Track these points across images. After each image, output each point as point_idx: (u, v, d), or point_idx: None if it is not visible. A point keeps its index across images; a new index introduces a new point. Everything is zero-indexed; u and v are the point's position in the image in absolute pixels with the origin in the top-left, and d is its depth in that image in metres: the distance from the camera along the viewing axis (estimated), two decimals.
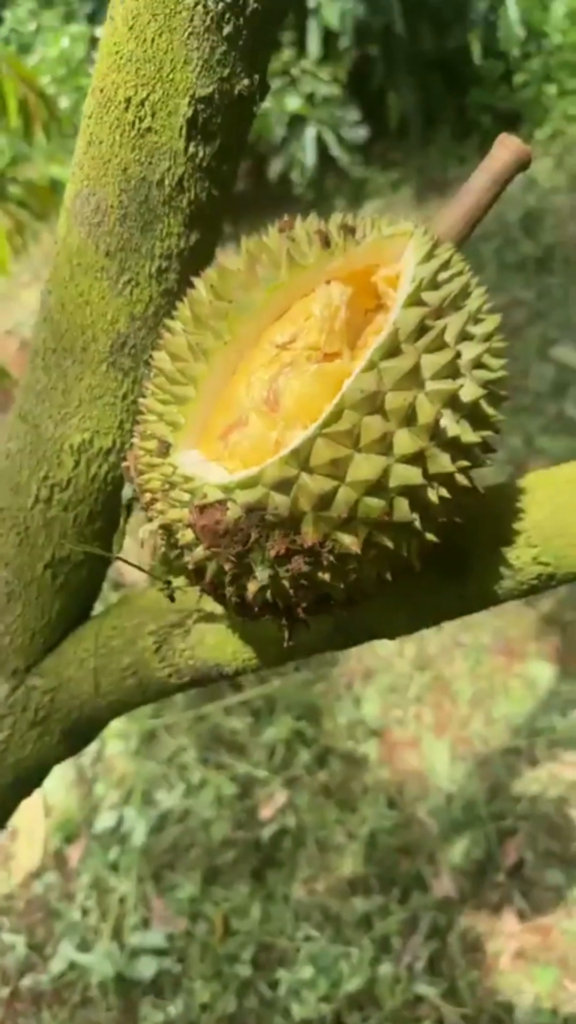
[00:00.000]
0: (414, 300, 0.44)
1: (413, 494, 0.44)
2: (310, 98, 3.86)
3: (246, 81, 0.53)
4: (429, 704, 2.09)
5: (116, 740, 2.07)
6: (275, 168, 3.95)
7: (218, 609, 0.61)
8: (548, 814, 1.85)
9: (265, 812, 1.92)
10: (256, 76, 0.54)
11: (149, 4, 0.51)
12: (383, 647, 2.19)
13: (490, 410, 0.46)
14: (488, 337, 0.47)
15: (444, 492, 0.45)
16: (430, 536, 0.46)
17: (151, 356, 0.51)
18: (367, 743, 2.03)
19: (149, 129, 0.54)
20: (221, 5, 0.50)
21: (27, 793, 0.74)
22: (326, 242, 0.47)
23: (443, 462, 0.44)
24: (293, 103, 3.80)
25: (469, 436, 0.45)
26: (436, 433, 0.44)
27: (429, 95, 4.20)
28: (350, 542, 0.44)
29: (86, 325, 0.60)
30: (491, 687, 2.10)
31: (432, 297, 0.45)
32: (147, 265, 0.57)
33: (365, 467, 0.42)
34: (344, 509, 0.43)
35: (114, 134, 0.54)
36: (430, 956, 1.67)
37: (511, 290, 3.40)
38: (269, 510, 0.43)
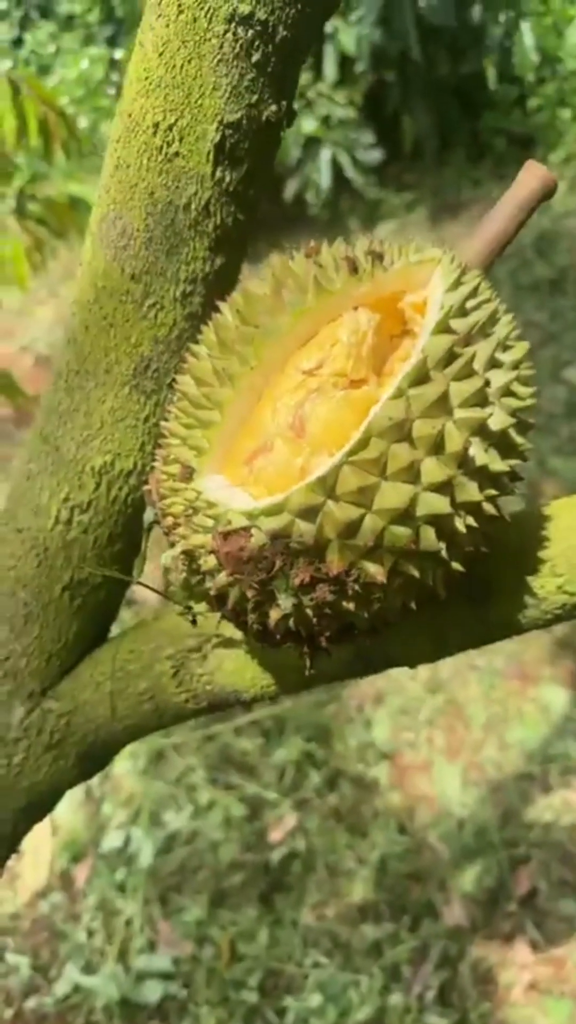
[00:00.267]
0: (442, 327, 0.44)
1: (440, 523, 0.43)
2: (326, 120, 3.90)
3: (274, 107, 0.53)
4: (441, 728, 2.07)
5: (124, 759, 2.06)
6: (291, 189, 3.99)
7: (237, 634, 0.60)
8: (562, 842, 1.82)
9: (274, 835, 1.90)
10: (284, 102, 0.54)
11: (179, 31, 0.51)
12: (396, 669, 2.17)
13: (519, 438, 0.45)
14: (517, 365, 0.46)
15: (471, 521, 0.44)
16: (456, 565, 0.45)
17: (174, 379, 0.51)
18: (378, 766, 2.01)
19: (177, 154, 0.54)
20: (251, 32, 0.50)
21: (40, 817, 0.73)
22: (354, 268, 0.47)
23: (471, 491, 0.43)
24: (309, 125, 3.84)
25: (497, 465, 0.44)
26: (464, 461, 0.43)
27: (444, 119, 4.24)
28: (375, 571, 0.43)
29: (110, 347, 0.60)
30: (505, 711, 2.08)
31: (460, 324, 0.44)
32: (172, 289, 0.57)
33: (392, 495, 0.42)
34: (370, 537, 0.42)
35: (141, 158, 0.55)
36: (441, 986, 1.64)
37: (524, 312, 3.40)
38: (294, 537, 0.42)
